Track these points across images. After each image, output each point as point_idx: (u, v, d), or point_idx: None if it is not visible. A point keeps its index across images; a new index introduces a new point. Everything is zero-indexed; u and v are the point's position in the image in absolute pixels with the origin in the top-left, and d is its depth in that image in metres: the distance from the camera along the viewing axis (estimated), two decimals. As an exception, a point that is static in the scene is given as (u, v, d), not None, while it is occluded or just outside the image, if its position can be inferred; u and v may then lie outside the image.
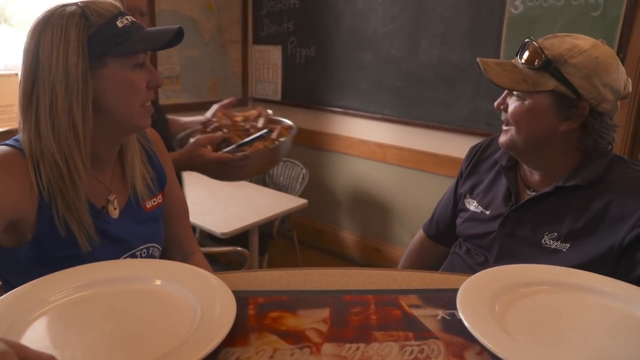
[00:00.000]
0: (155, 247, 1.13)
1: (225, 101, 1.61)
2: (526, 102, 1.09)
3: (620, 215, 1.03)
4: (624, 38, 1.99)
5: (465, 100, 2.52)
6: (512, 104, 1.12)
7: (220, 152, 1.35)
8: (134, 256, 1.07)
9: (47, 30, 0.93)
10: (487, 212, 1.23)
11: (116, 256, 1.04)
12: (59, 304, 0.77)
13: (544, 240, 1.10)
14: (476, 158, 1.34)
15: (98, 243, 0.99)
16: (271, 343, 0.70)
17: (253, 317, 0.77)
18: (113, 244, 1.03)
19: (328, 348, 0.70)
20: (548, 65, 1.05)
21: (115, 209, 1.05)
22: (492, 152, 1.31)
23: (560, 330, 0.73)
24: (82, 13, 0.93)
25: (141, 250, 1.09)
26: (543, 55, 1.06)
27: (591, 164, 1.10)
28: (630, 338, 0.72)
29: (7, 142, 0.97)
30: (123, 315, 0.75)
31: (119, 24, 0.95)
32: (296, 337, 0.72)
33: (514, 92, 1.11)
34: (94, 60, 0.94)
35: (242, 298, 0.83)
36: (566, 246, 1.07)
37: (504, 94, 1.16)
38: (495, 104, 1.18)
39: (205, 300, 0.77)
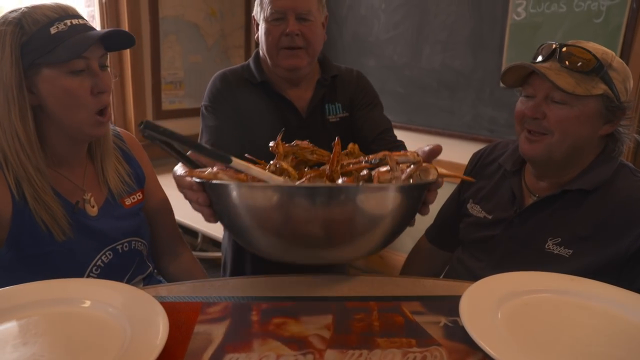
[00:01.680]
0: (139, 241, 1.14)
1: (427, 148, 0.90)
2: (575, 108, 1.05)
3: (625, 223, 1.03)
4: (626, 45, 2.00)
5: (467, 106, 2.52)
6: (556, 110, 1.07)
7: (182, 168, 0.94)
8: (115, 250, 1.08)
9: None
10: (490, 217, 1.23)
11: (97, 250, 1.06)
12: None
13: (547, 245, 1.10)
14: (479, 163, 1.34)
15: (72, 234, 1.01)
16: (274, 349, 0.70)
17: (256, 323, 0.78)
18: (92, 238, 1.05)
19: (331, 354, 0.70)
20: (600, 69, 1.05)
21: (93, 207, 1.07)
22: (496, 157, 1.31)
23: (562, 338, 0.73)
24: (18, 21, 0.94)
25: (123, 244, 1.10)
26: (595, 59, 1.05)
27: (598, 168, 1.11)
28: (634, 347, 0.72)
29: None
30: (47, 341, 0.70)
31: (53, 30, 0.94)
32: (299, 344, 0.72)
33: (554, 99, 1.07)
34: (29, 68, 0.95)
35: (245, 304, 0.83)
36: (569, 252, 1.07)
37: (537, 101, 1.09)
38: (528, 110, 1.09)
39: (136, 321, 0.73)
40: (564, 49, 1.07)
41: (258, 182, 0.80)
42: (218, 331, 0.75)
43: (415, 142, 2.96)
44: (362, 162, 0.86)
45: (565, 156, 1.10)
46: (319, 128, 1.42)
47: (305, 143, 0.93)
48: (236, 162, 0.78)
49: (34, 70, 0.95)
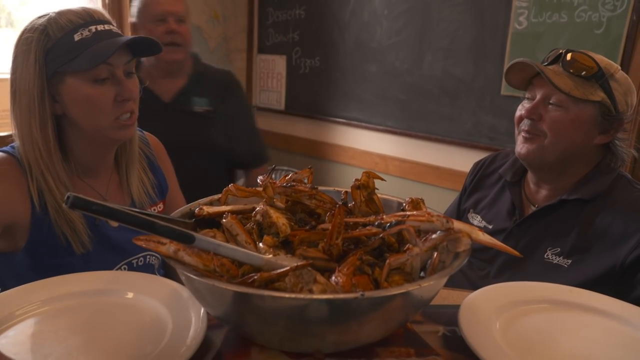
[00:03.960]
0: (154, 255, 1.13)
1: None
2: (570, 112, 1.07)
3: (622, 234, 1.04)
4: (626, 56, 2.01)
5: (468, 113, 2.53)
6: (552, 112, 1.09)
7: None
8: (130, 264, 1.08)
9: (19, 43, 0.95)
10: (490, 227, 1.23)
11: (113, 263, 1.05)
12: (25, 317, 0.73)
13: (547, 255, 1.11)
14: (480, 173, 1.35)
15: (92, 247, 1.00)
16: (273, 357, 0.70)
17: (255, 330, 0.77)
18: (110, 250, 1.04)
19: (329, 363, 0.70)
20: (601, 76, 1.06)
21: None
22: (497, 168, 1.31)
23: (560, 349, 0.73)
24: (44, 28, 0.93)
25: (138, 258, 1.09)
26: (597, 66, 1.06)
27: (597, 178, 1.11)
28: (631, 358, 0.72)
29: (5, 148, 1.00)
30: (91, 330, 0.72)
31: (77, 37, 0.93)
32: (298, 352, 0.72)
33: (552, 101, 1.09)
34: (52, 76, 0.93)
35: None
36: (568, 262, 1.08)
37: (535, 102, 1.11)
38: (525, 111, 1.12)
39: (177, 315, 0.74)
40: (569, 54, 1.09)
41: (230, 281, 0.62)
42: (216, 338, 0.75)
43: (415, 148, 2.96)
44: (372, 224, 0.70)
45: (558, 160, 1.11)
46: (184, 115, 1.65)
47: (302, 186, 0.79)
48: (201, 240, 0.63)
49: (57, 79, 0.94)
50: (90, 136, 1.00)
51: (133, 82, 1.01)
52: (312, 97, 3.25)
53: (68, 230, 0.97)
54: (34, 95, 0.93)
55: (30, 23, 0.95)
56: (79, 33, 0.93)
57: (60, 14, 0.94)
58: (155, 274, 1.16)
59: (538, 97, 1.11)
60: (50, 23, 0.93)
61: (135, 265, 1.08)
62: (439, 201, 1.67)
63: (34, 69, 0.92)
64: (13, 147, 0.99)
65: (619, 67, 1.09)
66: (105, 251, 1.03)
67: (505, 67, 2.32)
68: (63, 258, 0.98)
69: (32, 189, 0.95)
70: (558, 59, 1.11)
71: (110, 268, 1.03)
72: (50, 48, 0.93)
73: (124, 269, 1.06)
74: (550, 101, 1.09)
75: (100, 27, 0.96)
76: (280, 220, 0.71)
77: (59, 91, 0.95)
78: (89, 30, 0.94)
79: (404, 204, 0.80)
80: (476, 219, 1.27)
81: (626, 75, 1.09)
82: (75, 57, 0.92)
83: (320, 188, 0.80)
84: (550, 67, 1.11)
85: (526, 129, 1.13)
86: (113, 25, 1.00)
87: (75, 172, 1.03)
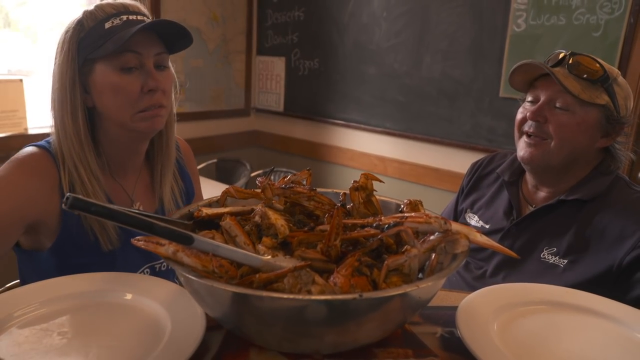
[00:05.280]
0: None
1: None
2: (577, 115, 1.07)
3: (620, 235, 1.04)
4: (624, 59, 2.01)
5: (466, 115, 2.54)
6: (558, 115, 1.09)
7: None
8: (153, 268, 1.06)
9: (60, 37, 0.97)
10: (487, 227, 1.24)
11: (136, 266, 1.03)
12: (24, 319, 0.73)
13: (543, 255, 1.11)
14: (478, 174, 1.35)
15: (119, 245, 0.99)
16: (272, 358, 0.70)
17: (254, 331, 0.77)
18: (135, 251, 1.02)
19: (328, 364, 0.70)
20: (606, 79, 1.07)
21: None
22: (494, 168, 1.32)
23: (557, 351, 0.73)
24: (80, 19, 0.95)
25: (162, 263, 1.07)
26: (602, 69, 1.07)
27: (595, 180, 1.12)
28: (627, 359, 0.73)
29: (39, 142, 0.99)
30: (89, 331, 0.72)
31: (107, 25, 0.92)
32: (296, 353, 0.72)
33: (558, 105, 1.09)
34: (83, 65, 0.94)
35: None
36: (564, 262, 1.08)
37: (540, 104, 1.11)
38: (531, 114, 1.11)
39: (175, 316, 0.74)
40: (573, 57, 1.09)
41: (228, 281, 0.63)
42: (215, 339, 0.75)
43: (414, 150, 2.96)
44: (370, 225, 0.71)
45: (562, 163, 1.11)
46: None
47: (301, 188, 0.80)
48: (200, 241, 0.63)
49: (88, 68, 0.94)
50: (119, 129, 0.99)
51: (164, 75, 0.99)
52: (311, 99, 3.26)
53: (97, 225, 0.95)
54: (66, 84, 0.93)
55: (73, 18, 0.97)
56: (109, 21, 0.93)
57: (97, 6, 0.96)
58: (175, 282, 1.16)
59: (542, 99, 1.11)
60: (85, 15, 0.95)
61: (157, 269, 1.07)
62: (438, 203, 1.67)
63: (67, 58, 0.93)
64: (48, 142, 0.99)
65: (619, 72, 1.10)
66: (131, 252, 1.01)
67: (504, 69, 2.35)
68: (89, 257, 0.97)
69: (64, 182, 0.94)
70: (562, 61, 1.11)
71: (134, 270, 1.02)
72: (82, 37, 0.94)
73: (147, 272, 1.05)
74: (557, 105, 1.09)
75: (132, 17, 0.95)
76: (279, 221, 0.72)
77: (89, 81, 0.95)
78: (120, 19, 0.94)
79: (402, 206, 0.80)
80: (473, 219, 1.28)
81: (625, 81, 1.10)
82: (103, 44, 0.92)
83: (318, 189, 0.81)
84: (555, 69, 1.11)
85: (531, 131, 1.12)
86: (147, 17, 0.99)
87: (107, 169, 1.02)
